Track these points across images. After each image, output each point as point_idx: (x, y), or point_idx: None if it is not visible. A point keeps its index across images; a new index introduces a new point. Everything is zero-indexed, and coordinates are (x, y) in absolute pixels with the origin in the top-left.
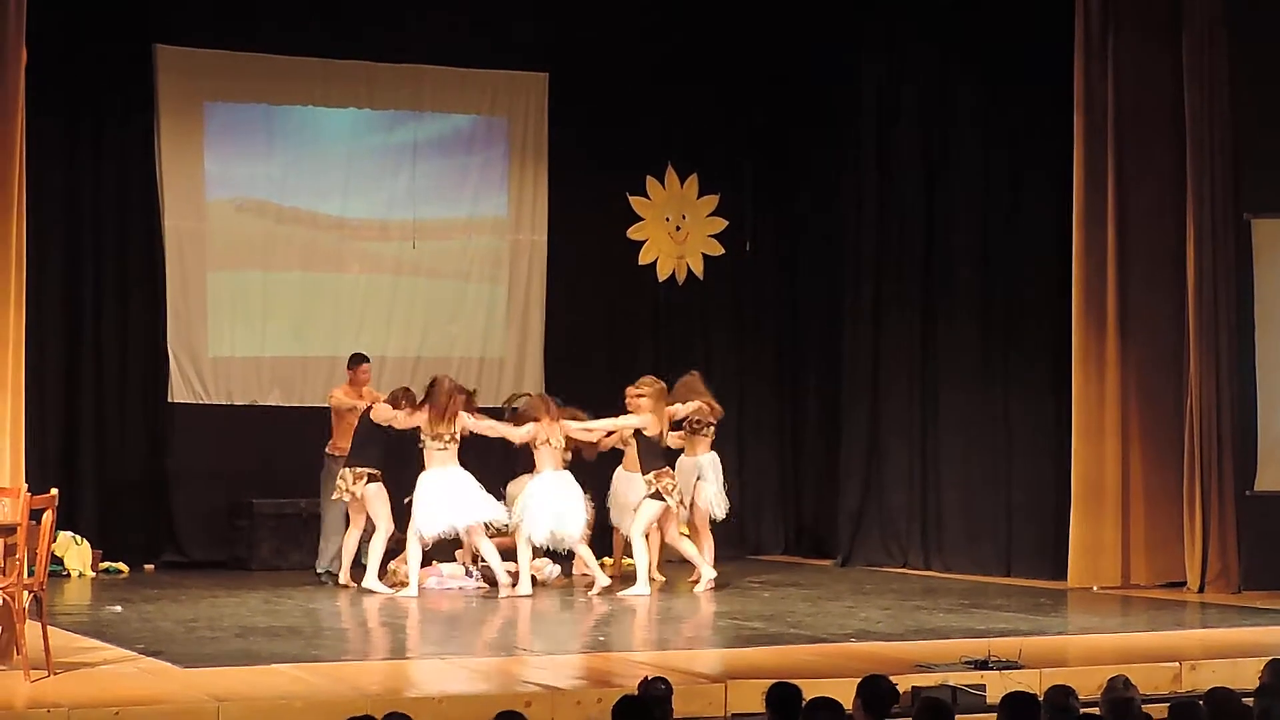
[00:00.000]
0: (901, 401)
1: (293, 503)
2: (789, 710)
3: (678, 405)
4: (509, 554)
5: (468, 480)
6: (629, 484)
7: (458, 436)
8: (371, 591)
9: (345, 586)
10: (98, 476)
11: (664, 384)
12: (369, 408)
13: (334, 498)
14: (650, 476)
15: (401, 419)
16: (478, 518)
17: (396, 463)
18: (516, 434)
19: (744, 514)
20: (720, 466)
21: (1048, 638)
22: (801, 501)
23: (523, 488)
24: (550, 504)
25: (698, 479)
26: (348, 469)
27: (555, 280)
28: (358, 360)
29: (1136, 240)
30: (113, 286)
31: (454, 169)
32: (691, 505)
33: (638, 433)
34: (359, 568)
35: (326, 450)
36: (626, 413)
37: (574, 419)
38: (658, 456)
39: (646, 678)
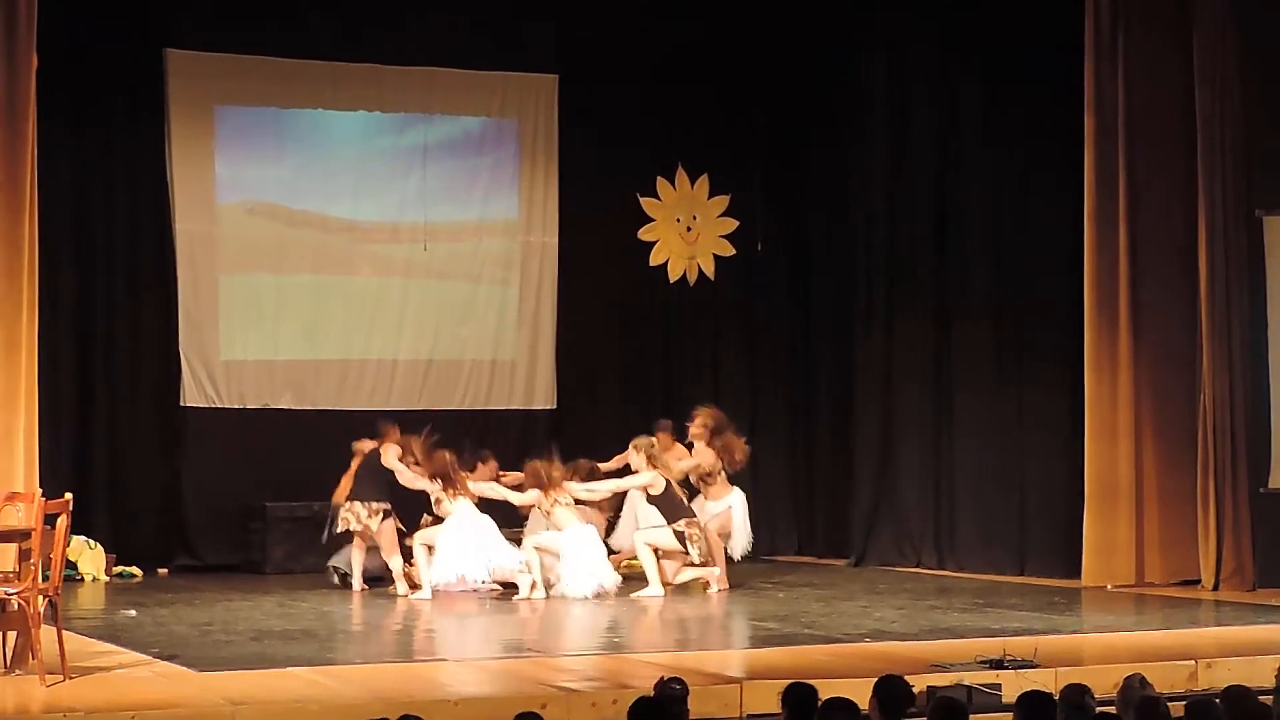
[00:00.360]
0: (914, 401)
1: (305, 505)
2: (805, 711)
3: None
4: None
5: (488, 531)
6: (646, 509)
7: (470, 491)
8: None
9: (359, 591)
10: (111, 481)
11: (721, 415)
12: (378, 447)
13: (339, 529)
14: (681, 524)
15: (407, 477)
16: (491, 572)
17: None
18: (520, 499)
19: (757, 515)
20: (745, 506)
21: (1063, 636)
22: (814, 502)
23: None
24: (584, 559)
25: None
26: (357, 502)
27: (566, 282)
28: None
29: (1148, 239)
30: (124, 291)
31: (464, 171)
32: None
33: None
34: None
35: (334, 499)
36: (639, 437)
37: (576, 474)
38: (674, 506)
39: (662, 678)
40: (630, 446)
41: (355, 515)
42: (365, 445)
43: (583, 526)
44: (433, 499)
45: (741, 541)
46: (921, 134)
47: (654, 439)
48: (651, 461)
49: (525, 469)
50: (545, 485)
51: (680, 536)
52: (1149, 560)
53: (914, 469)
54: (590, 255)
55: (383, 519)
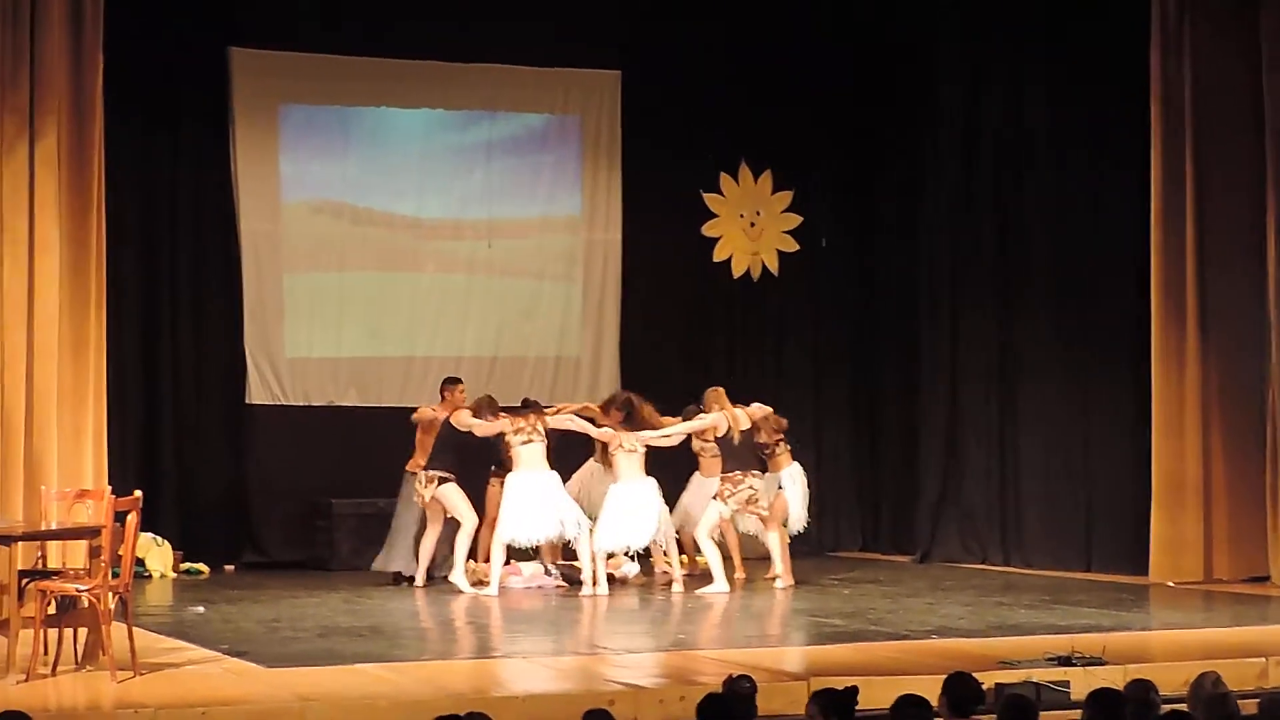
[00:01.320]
0: (979, 397)
1: (371, 502)
2: (846, 714)
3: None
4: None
5: (555, 487)
6: (700, 488)
7: (542, 431)
8: (455, 587)
9: (422, 588)
10: (178, 478)
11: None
12: (449, 415)
13: (415, 500)
14: (719, 480)
15: (483, 427)
16: (562, 534)
17: (472, 474)
18: (597, 432)
19: (822, 511)
20: (804, 478)
21: (1131, 633)
22: (879, 498)
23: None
24: (623, 514)
25: (779, 489)
26: (423, 472)
27: (630, 278)
28: (452, 382)
29: (1215, 233)
30: (190, 289)
31: (528, 168)
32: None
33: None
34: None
35: (407, 467)
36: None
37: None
38: (738, 458)
39: (731, 675)
40: (705, 395)
41: (419, 485)
42: (425, 414)
43: (641, 480)
44: (505, 448)
45: (796, 520)
46: (986, 128)
47: (720, 389)
48: (719, 404)
49: (610, 398)
50: (634, 415)
51: (716, 496)
52: (1217, 556)
53: (979, 465)
54: (654, 251)
55: (438, 485)
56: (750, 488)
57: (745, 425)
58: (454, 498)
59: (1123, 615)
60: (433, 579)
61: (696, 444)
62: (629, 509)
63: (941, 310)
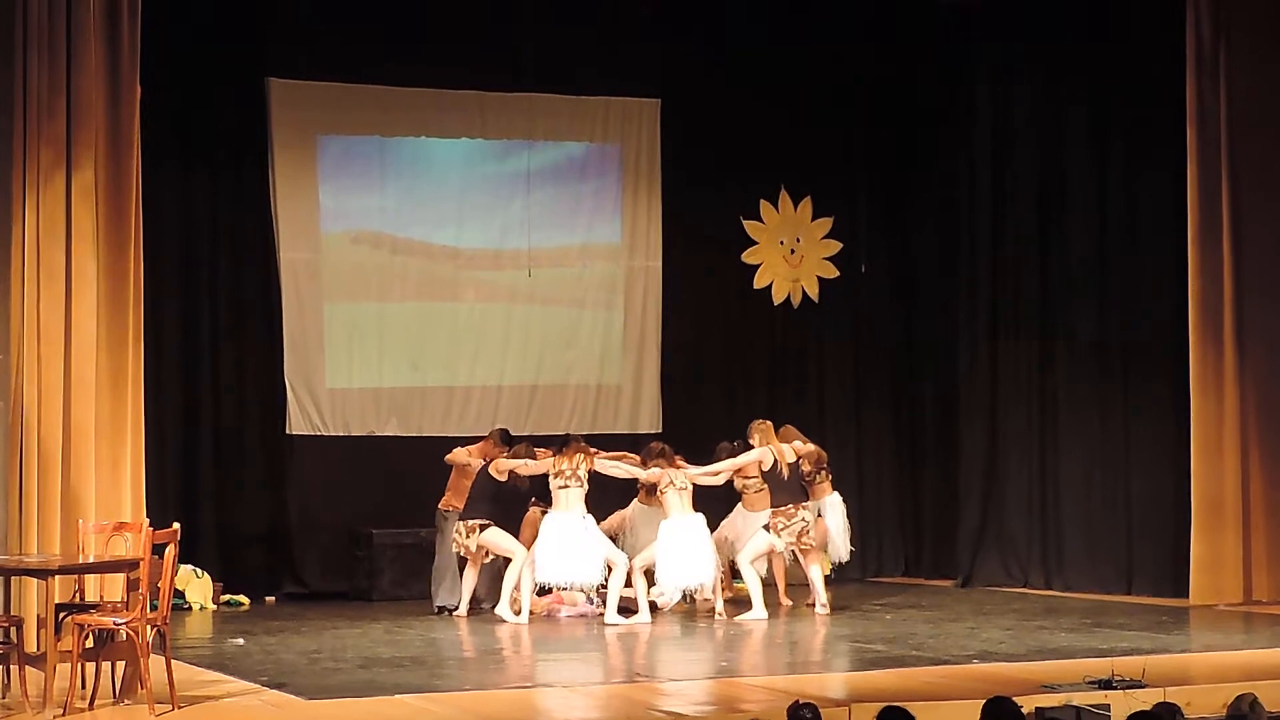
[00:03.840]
0: (1019, 421)
1: (412, 533)
2: None
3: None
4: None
5: (589, 530)
6: (745, 522)
7: (583, 478)
8: (501, 619)
9: (464, 617)
10: (217, 509)
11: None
12: (486, 464)
13: (453, 549)
14: (770, 512)
15: (528, 467)
16: (592, 579)
17: (509, 524)
18: (644, 474)
19: (863, 536)
20: (843, 507)
21: (1171, 656)
22: (920, 523)
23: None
24: (681, 551)
25: (818, 516)
26: (461, 523)
27: (671, 306)
28: (506, 439)
29: (1253, 254)
30: (230, 319)
31: (567, 196)
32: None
33: (765, 472)
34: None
35: (440, 505)
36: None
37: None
38: (788, 491)
39: (796, 702)
40: (749, 429)
41: (457, 538)
42: (460, 456)
43: (691, 515)
44: (551, 485)
45: (839, 549)
46: (1025, 154)
47: (767, 422)
48: (765, 439)
49: (647, 450)
50: (669, 463)
51: (768, 526)
52: (1257, 578)
53: (1020, 488)
54: (694, 279)
55: (480, 533)
56: (803, 520)
57: (791, 459)
58: (499, 540)
59: (1163, 638)
60: (480, 610)
61: (739, 481)
62: (684, 544)
63: (981, 335)
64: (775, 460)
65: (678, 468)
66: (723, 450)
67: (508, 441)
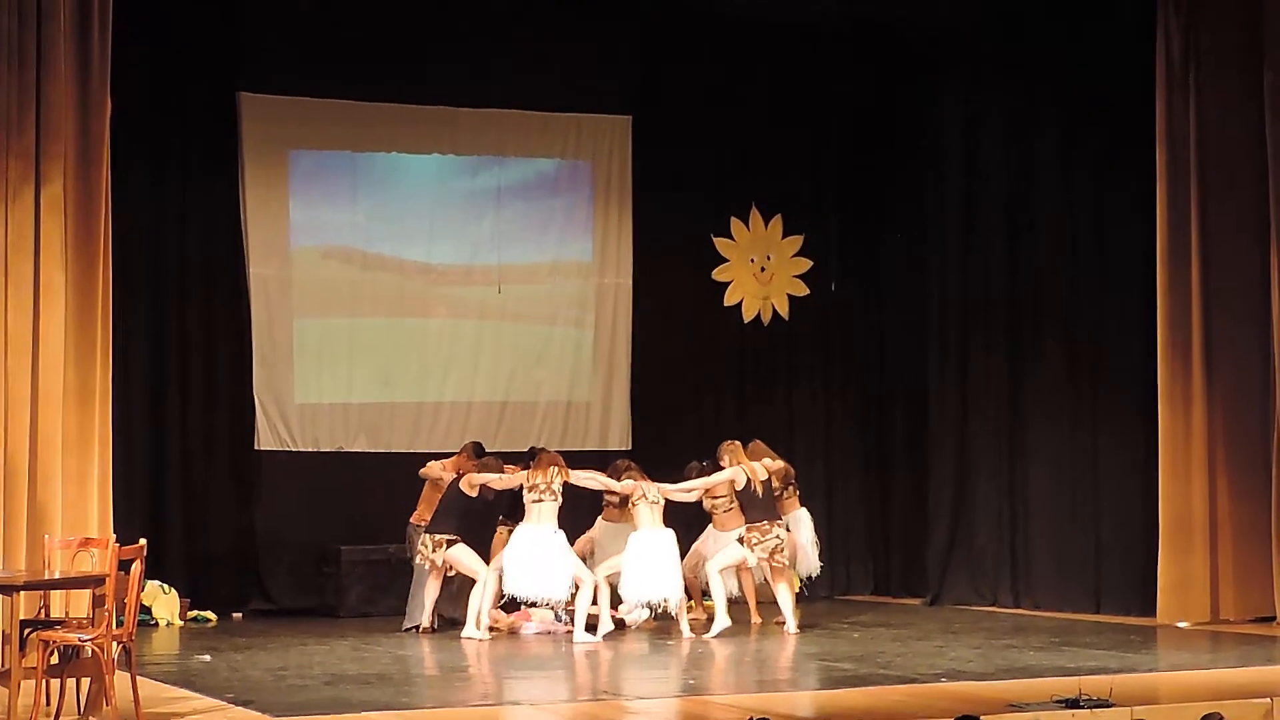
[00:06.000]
0: (988, 439)
1: (380, 549)
2: None
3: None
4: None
5: (559, 545)
6: (716, 542)
7: (557, 491)
8: (471, 640)
9: (429, 634)
10: (185, 524)
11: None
12: (457, 478)
13: (417, 561)
14: (744, 529)
15: (500, 481)
16: (558, 595)
17: (478, 533)
18: (619, 486)
19: (832, 554)
20: (811, 522)
21: (1139, 675)
22: (890, 541)
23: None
24: (648, 564)
25: (787, 531)
26: (428, 535)
27: (641, 323)
28: (479, 452)
29: (1221, 274)
30: (199, 334)
31: (538, 213)
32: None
33: (739, 491)
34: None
35: (411, 519)
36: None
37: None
38: (761, 508)
39: (751, 718)
40: (719, 450)
41: (423, 550)
42: (434, 470)
43: (659, 530)
44: (525, 499)
45: (810, 561)
46: (995, 172)
47: (736, 442)
48: (735, 458)
49: (613, 467)
50: (640, 476)
51: (741, 539)
52: (1224, 597)
53: (989, 507)
54: (664, 296)
55: (447, 548)
56: (777, 538)
57: (763, 476)
58: (465, 558)
59: (1130, 657)
60: (440, 628)
61: (708, 501)
62: (653, 558)
63: (950, 354)
64: (748, 479)
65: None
66: (692, 470)
67: (480, 454)
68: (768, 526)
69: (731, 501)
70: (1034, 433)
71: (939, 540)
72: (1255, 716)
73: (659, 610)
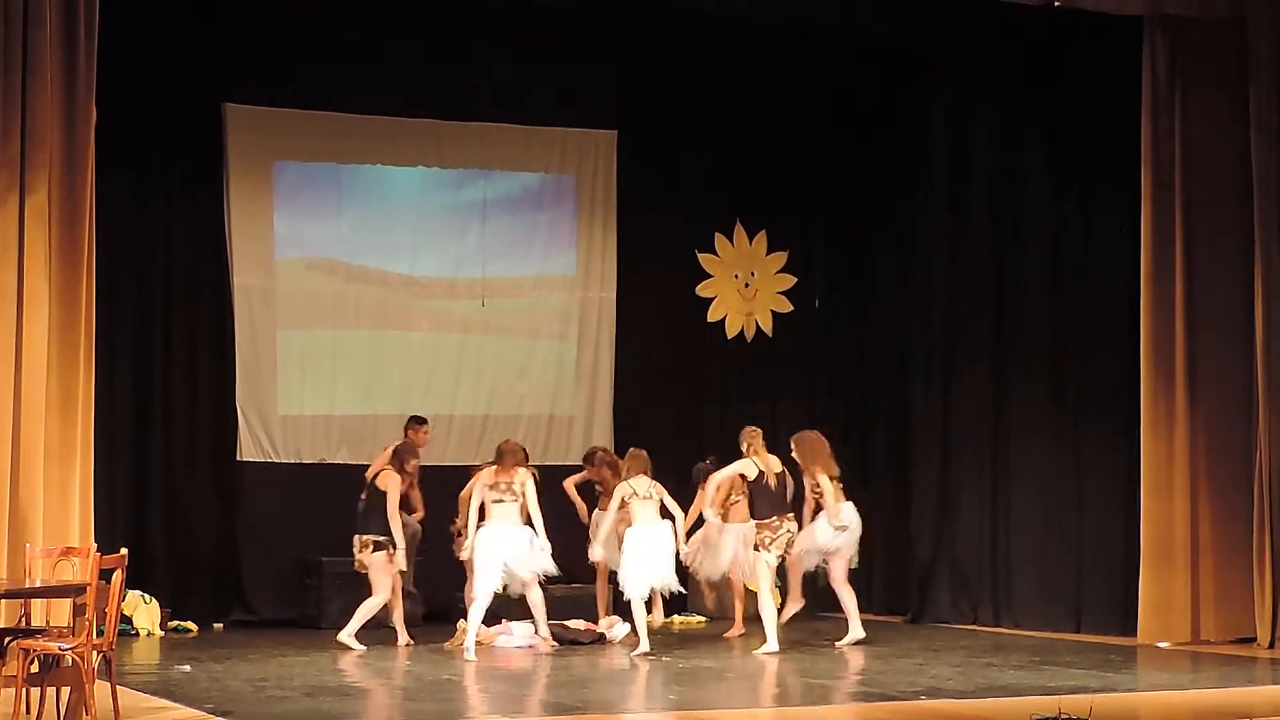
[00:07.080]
0: (971, 457)
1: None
2: None
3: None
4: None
5: (522, 534)
6: (720, 533)
7: (519, 492)
8: (346, 647)
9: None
10: (167, 535)
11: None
12: (376, 474)
13: (355, 566)
14: (753, 526)
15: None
16: (529, 570)
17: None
18: (613, 510)
19: (815, 571)
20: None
21: (1118, 695)
22: (872, 558)
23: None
24: (646, 556)
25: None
26: (356, 537)
27: (624, 337)
28: (417, 422)
29: (1205, 294)
30: (183, 345)
31: (523, 227)
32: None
33: (750, 482)
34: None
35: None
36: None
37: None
38: (771, 502)
39: None
40: (741, 435)
41: (354, 549)
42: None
43: (656, 524)
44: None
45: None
46: (981, 190)
47: (758, 430)
48: (753, 448)
49: (589, 454)
50: (612, 470)
51: (756, 546)
52: (1204, 617)
53: (971, 525)
54: (648, 311)
55: (373, 550)
56: (788, 531)
57: (778, 469)
58: (379, 572)
59: (1110, 676)
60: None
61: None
62: (649, 551)
63: (934, 371)
64: (760, 471)
65: (617, 469)
66: (700, 470)
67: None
68: (777, 523)
69: (738, 494)
70: (1016, 451)
71: (921, 558)
72: None
73: (667, 595)
